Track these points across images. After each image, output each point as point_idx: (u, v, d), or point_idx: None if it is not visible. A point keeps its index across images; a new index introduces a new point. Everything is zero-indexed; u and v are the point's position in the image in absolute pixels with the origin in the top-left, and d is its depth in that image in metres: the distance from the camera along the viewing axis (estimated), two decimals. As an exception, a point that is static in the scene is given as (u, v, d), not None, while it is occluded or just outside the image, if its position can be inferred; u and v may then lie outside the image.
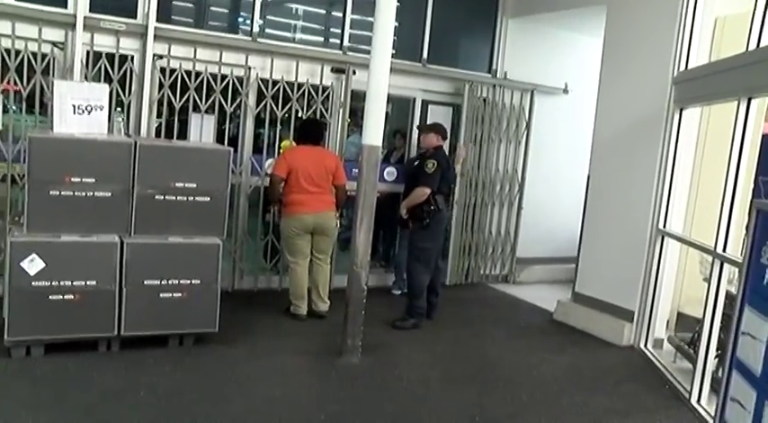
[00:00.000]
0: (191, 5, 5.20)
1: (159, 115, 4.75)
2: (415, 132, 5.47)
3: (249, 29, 5.04)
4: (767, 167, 4.11)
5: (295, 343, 4.15)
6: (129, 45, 4.57)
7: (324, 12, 5.65)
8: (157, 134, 4.73)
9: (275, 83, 5.01)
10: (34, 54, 4.23)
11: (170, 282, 3.71)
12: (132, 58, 4.61)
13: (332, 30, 5.52)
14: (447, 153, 5.08)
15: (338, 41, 5.40)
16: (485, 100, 5.98)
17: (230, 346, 3.92)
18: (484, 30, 6.16)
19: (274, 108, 5.03)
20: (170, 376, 3.45)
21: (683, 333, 4.54)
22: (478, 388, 3.70)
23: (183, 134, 4.82)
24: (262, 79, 4.99)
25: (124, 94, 4.58)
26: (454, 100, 5.94)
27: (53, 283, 3.45)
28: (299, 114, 5.15)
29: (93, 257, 3.56)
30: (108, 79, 4.44)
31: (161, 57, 4.64)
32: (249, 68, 4.93)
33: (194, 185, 3.77)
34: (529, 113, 6.23)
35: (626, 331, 4.65)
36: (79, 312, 3.52)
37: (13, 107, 4.30)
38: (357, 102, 5.24)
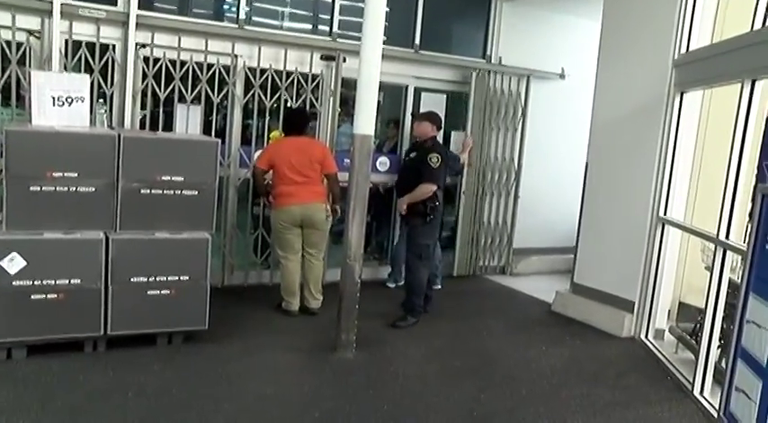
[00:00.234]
0: (174, -8, 5.06)
1: (143, 107, 4.62)
2: (409, 121, 5.35)
3: (235, 16, 4.90)
4: (772, 152, 4.02)
5: (287, 339, 4.07)
6: (110, 33, 4.42)
7: (312, -3, 5.52)
8: (142, 126, 4.61)
9: (263, 71, 4.89)
10: (8, 43, 4.09)
11: (158, 279, 3.63)
12: (114, 47, 4.46)
13: (321, 16, 5.37)
14: (441, 143, 4.95)
15: (327, 28, 5.26)
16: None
17: (221, 343, 3.84)
18: (478, 14, 6.02)
19: (263, 97, 4.92)
20: (159, 375, 3.37)
21: (684, 323, 4.48)
22: (477, 382, 3.63)
23: (168, 126, 4.68)
24: (249, 68, 4.87)
25: (106, 85, 4.44)
26: (448, 87, 5.83)
27: (35, 283, 3.35)
28: (289, 104, 5.03)
29: (77, 255, 3.46)
30: (89, 70, 4.30)
31: (144, 46, 4.51)
32: (236, 57, 4.81)
33: (181, 179, 3.68)
34: (525, 100, 6.12)
35: (626, 322, 4.58)
36: (63, 312, 3.42)
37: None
38: (348, 90, 5.13)
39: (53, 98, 3.59)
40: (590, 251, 4.98)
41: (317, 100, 5.14)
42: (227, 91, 4.83)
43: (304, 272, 4.52)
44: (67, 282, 3.41)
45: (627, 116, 4.68)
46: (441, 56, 5.71)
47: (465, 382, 3.62)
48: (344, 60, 5.09)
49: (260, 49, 4.85)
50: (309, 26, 5.39)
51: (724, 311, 3.53)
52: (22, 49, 4.15)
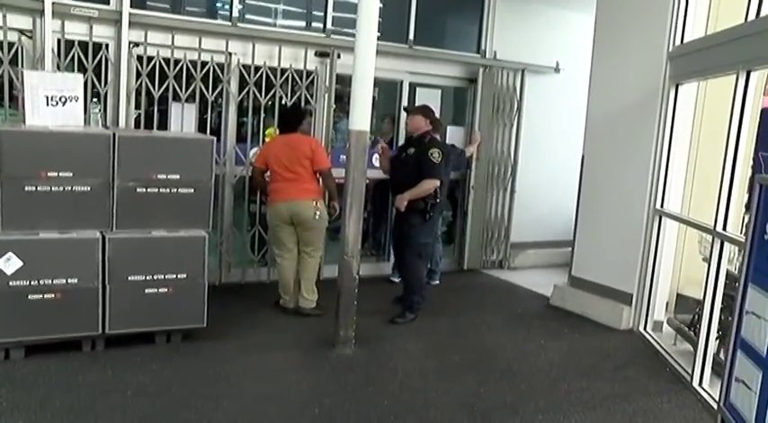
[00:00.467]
0: (167, -10, 5.03)
1: (138, 106, 4.59)
2: (404, 116, 5.32)
3: (229, 13, 4.86)
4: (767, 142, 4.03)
5: (286, 336, 4.06)
6: (102, 32, 4.39)
7: (305, -7, 5.50)
8: (136, 125, 4.57)
9: (257, 69, 4.86)
10: (0, 43, 4.05)
11: (155, 277, 3.61)
12: (107, 46, 4.42)
13: (314, 12, 5.36)
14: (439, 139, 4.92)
15: (321, 24, 5.23)
16: (473, 81, 5.88)
17: (219, 341, 3.83)
18: (471, 8, 6.00)
19: (257, 95, 4.90)
20: (158, 374, 3.36)
21: (682, 315, 4.47)
22: (476, 377, 3.63)
23: (163, 124, 4.66)
24: (243, 65, 4.84)
25: (100, 85, 4.41)
26: (443, 82, 5.82)
27: (32, 283, 3.33)
28: (283, 101, 5.01)
29: (74, 254, 3.45)
30: (82, 69, 4.27)
31: (137, 44, 4.48)
32: (230, 54, 4.78)
33: (177, 177, 3.66)
34: (520, 94, 6.11)
35: (624, 315, 4.58)
36: (61, 312, 3.40)
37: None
38: (343, 86, 5.11)
39: (47, 98, 3.58)
40: (587, 244, 4.98)
41: (311, 96, 5.12)
42: (222, 89, 4.81)
43: (300, 269, 4.48)
44: (64, 281, 3.39)
45: (622, 109, 4.68)
46: (435, 51, 5.69)
47: (464, 377, 3.62)
48: (339, 57, 5.07)
49: (254, 47, 4.82)
50: (303, 23, 5.37)
51: (722, 303, 3.54)
52: (14, 49, 4.11)
